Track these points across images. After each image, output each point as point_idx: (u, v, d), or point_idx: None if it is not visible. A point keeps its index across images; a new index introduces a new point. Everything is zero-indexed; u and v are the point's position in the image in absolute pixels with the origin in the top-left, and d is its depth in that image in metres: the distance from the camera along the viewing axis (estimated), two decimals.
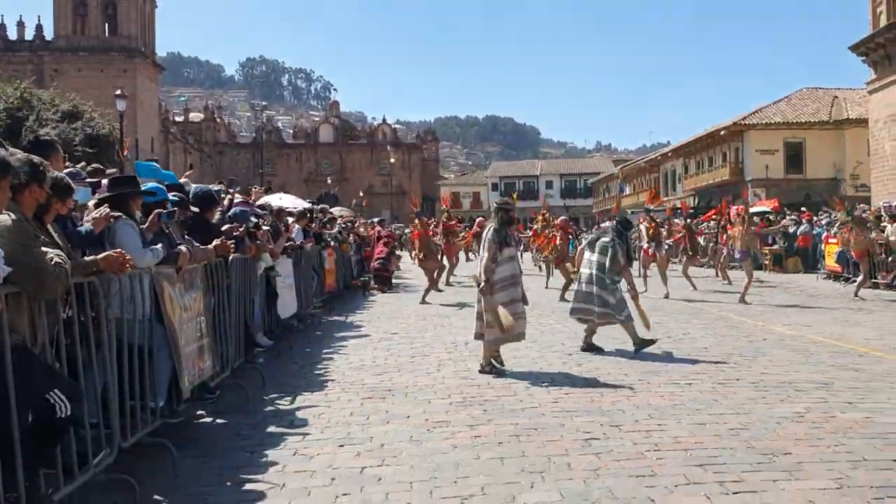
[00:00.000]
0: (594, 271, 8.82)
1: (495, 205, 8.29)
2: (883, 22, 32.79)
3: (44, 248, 3.61)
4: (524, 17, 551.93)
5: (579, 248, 10.29)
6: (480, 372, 7.73)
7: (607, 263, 8.77)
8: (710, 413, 5.90)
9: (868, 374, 7.52)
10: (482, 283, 7.70)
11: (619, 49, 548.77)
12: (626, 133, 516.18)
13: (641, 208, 28.78)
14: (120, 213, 4.92)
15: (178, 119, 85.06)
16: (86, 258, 4.23)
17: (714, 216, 24.01)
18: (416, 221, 18.44)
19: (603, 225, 8.77)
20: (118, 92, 30.79)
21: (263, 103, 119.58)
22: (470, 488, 4.34)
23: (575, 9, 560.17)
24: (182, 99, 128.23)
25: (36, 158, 3.74)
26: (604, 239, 9.10)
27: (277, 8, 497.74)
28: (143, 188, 5.66)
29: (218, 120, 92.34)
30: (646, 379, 7.28)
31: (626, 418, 5.80)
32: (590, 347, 8.90)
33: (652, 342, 8.79)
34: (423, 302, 15.14)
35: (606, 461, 4.75)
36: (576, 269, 9.95)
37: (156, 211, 5.59)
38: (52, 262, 3.57)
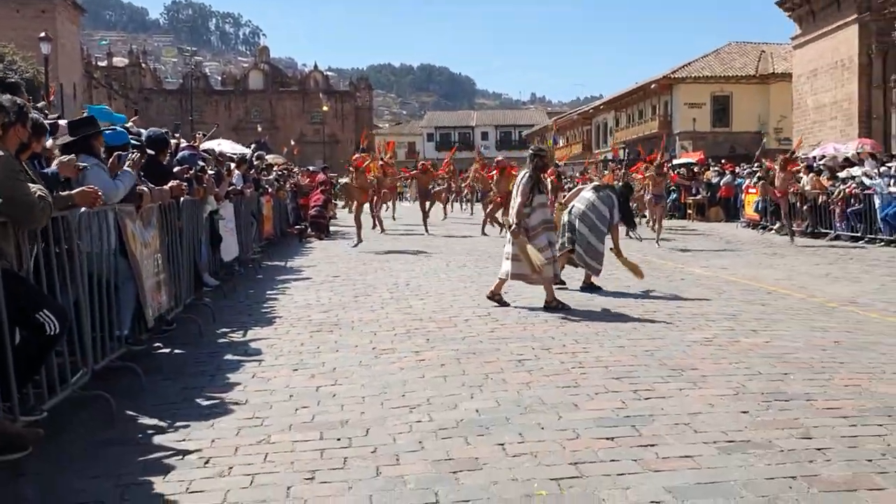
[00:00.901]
0: (589, 212, 9.30)
1: (530, 151, 8.54)
2: None
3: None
4: None
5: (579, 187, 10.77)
6: (545, 309, 8.02)
7: (607, 215, 9.31)
8: (628, 339, 6.55)
9: (773, 308, 8.29)
10: (513, 226, 8.02)
11: (553, 4, 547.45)
12: (560, 86, 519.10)
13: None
14: (85, 164, 5.15)
15: (101, 64, 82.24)
16: (60, 193, 4.53)
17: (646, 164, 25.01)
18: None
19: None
20: (42, 34, 29.84)
21: (193, 48, 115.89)
22: (417, 400, 4.86)
23: None
24: (103, 43, 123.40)
25: (19, 99, 4.02)
26: (609, 192, 9.65)
27: None
28: (105, 130, 5.92)
29: (143, 65, 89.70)
30: (574, 311, 7.92)
31: (554, 343, 6.41)
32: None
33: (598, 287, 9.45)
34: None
35: (537, 376, 5.33)
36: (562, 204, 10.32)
37: (116, 153, 5.85)
38: (37, 195, 3.89)
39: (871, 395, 4.83)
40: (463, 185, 33.09)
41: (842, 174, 17.85)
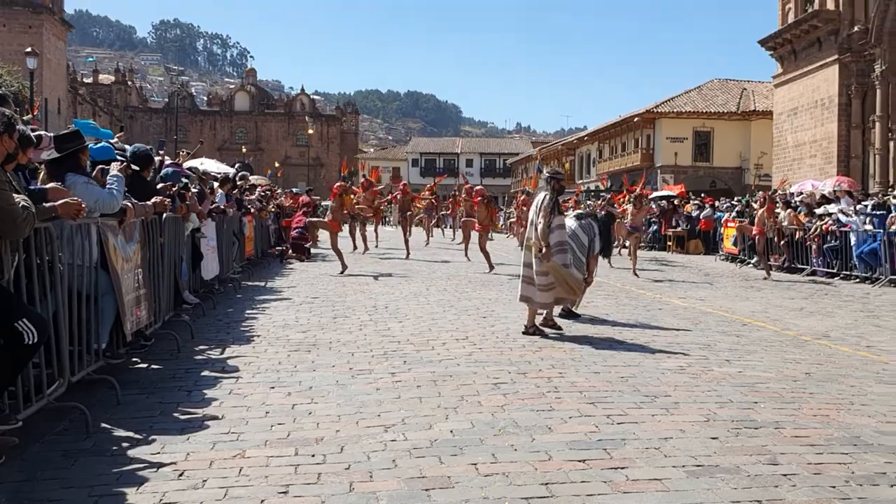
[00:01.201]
0: (570, 240, 9.23)
1: (547, 174, 8.61)
2: (791, 18, 34.62)
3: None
4: None
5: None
6: (525, 333, 8.11)
7: (587, 244, 9.30)
8: (604, 365, 6.63)
9: (747, 339, 8.41)
10: (543, 248, 8.03)
11: (542, 36, 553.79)
12: (545, 117, 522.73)
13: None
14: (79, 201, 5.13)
15: (86, 80, 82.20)
16: (44, 204, 4.56)
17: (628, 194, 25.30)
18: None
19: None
20: (28, 49, 29.85)
21: (180, 68, 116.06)
22: (392, 419, 4.90)
23: None
24: (90, 60, 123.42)
25: (7, 111, 4.06)
26: (591, 220, 9.70)
27: None
28: (93, 146, 5.97)
29: (129, 83, 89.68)
30: (551, 337, 8.00)
31: (531, 368, 6.47)
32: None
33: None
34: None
35: (512, 399, 5.39)
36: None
37: (99, 167, 5.90)
38: (20, 206, 3.92)
39: (839, 424, 4.92)
40: (447, 211, 33.29)
41: (819, 211, 18.12)
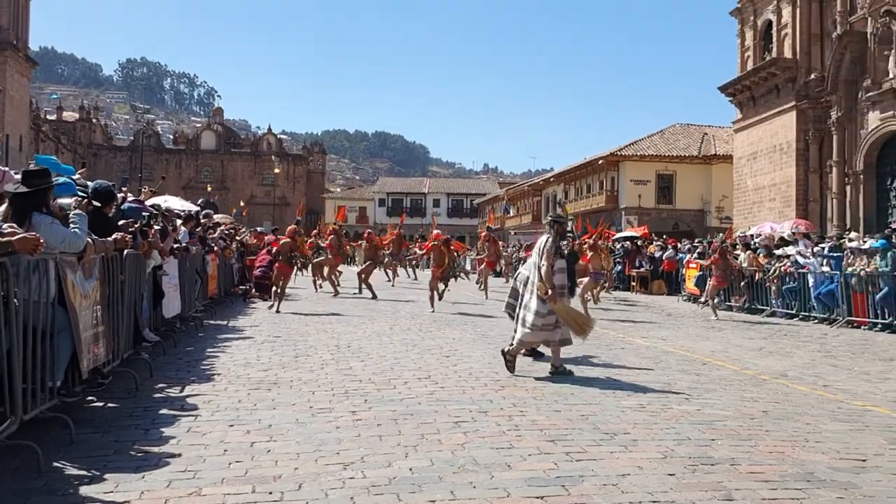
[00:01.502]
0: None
1: (549, 218, 8.72)
2: (750, 66, 35.55)
3: None
4: (416, 36, 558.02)
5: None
6: (552, 373, 8.13)
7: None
8: (565, 403, 6.67)
9: (706, 378, 8.51)
10: (549, 291, 8.06)
11: (510, 79, 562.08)
12: (513, 158, 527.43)
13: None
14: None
15: (50, 117, 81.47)
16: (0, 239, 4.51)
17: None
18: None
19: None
20: None
21: (146, 106, 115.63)
22: (351, 457, 4.88)
23: (464, 35, 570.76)
24: (54, 97, 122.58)
25: None
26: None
27: (161, 9, 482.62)
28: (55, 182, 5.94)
29: (94, 121, 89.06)
30: (514, 377, 8.03)
31: (492, 406, 6.48)
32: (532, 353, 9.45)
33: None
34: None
35: (472, 437, 5.40)
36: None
37: (56, 202, 5.86)
38: None
39: (793, 461, 5.00)
40: (409, 255, 33.43)
41: (777, 252, 18.47)
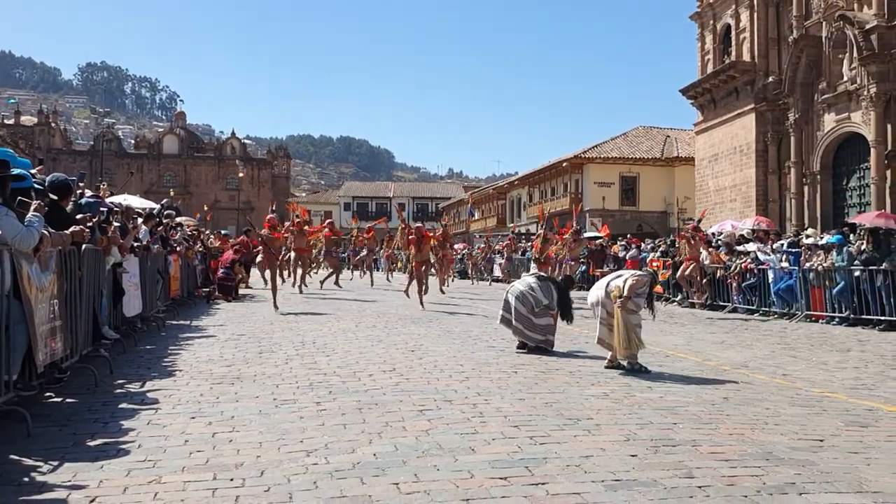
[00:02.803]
0: (528, 294, 9.46)
1: (648, 277, 8.63)
2: (710, 69, 36.07)
3: None
4: (380, 42, 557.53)
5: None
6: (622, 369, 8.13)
7: (545, 302, 9.43)
8: (529, 392, 6.69)
9: (669, 369, 8.59)
10: (623, 296, 8.02)
11: (474, 84, 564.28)
12: (477, 162, 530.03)
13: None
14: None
15: (7, 122, 79.99)
16: None
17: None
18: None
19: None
20: None
21: (107, 109, 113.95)
22: (314, 445, 4.84)
23: (428, 41, 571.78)
24: (12, 101, 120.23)
25: None
26: (550, 283, 9.78)
27: (122, 12, 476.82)
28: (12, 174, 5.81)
29: (53, 125, 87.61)
30: (479, 368, 8.05)
31: (457, 396, 6.48)
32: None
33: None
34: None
35: (437, 424, 5.39)
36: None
37: (18, 197, 5.75)
38: None
39: (753, 442, 5.07)
40: (383, 252, 33.65)
41: (738, 249, 18.73)
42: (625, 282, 8.19)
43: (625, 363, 8.24)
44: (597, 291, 8.63)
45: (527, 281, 9.88)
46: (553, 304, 9.51)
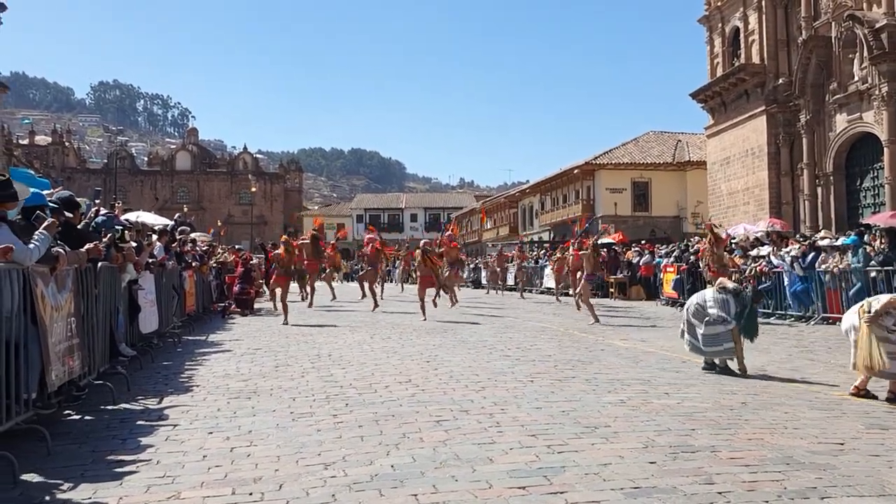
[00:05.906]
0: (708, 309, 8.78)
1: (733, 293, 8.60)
2: (720, 72, 35.99)
3: None
4: (391, 53, 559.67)
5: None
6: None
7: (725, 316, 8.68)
8: (546, 401, 6.67)
9: (686, 374, 8.55)
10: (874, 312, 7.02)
11: (484, 93, 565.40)
12: (488, 171, 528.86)
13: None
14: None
15: (22, 142, 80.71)
16: None
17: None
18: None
19: None
20: None
21: (119, 127, 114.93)
22: (332, 458, 4.84)
23: (438, 51, 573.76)
24: (26, 122, 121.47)
25: None
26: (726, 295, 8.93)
27: (133, 31, 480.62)
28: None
29: (67, 144, 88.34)
30: (494, 377, 8.03)
31: (473, 406, 6.47)
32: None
33: None
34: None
35: (454, 435, 5.38)
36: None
37: (37, 212, 5.80)
38: None
39: (772, 447, 5.03)
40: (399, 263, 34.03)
41: (752, 252, 18.65)
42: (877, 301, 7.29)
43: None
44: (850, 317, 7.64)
45: (705, 296, 9.03)
46: (730, 317, 8.60)
